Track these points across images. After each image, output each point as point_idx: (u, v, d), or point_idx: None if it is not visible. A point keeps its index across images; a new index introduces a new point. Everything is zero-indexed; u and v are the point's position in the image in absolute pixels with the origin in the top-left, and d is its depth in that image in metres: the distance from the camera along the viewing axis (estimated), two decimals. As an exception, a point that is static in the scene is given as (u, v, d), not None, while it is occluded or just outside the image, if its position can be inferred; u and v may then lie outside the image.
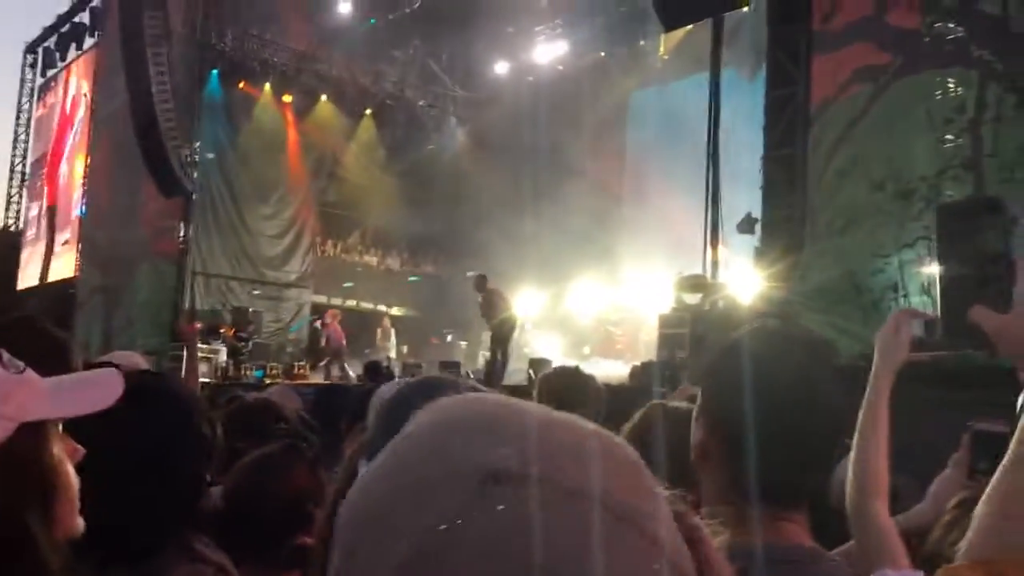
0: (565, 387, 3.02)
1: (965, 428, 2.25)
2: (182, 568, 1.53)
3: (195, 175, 18.76)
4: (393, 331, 18.39)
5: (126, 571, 1.48)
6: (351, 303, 21.31)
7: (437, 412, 0.54)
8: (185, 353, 4.87)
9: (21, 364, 1.12)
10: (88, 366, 2.69)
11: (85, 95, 23.94)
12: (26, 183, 27.95)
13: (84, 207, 23.30)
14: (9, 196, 28.25)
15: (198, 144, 18.99)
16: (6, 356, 1.11)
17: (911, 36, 9.53)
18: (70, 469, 1.15)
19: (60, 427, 1.15)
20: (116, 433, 1.33)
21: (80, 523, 1.15)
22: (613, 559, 0.44)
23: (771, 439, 1.31)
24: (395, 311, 20.03)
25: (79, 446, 1.17)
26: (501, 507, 0.45)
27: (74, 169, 24.31)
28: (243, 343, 16.48)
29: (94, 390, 1.17)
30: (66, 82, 25.78)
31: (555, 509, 0.45)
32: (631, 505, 0.47)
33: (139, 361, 3.24)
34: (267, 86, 20.34)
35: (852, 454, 1.70)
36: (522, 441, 0.48)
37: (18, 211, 28.08)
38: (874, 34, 9.80)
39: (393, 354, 17.44)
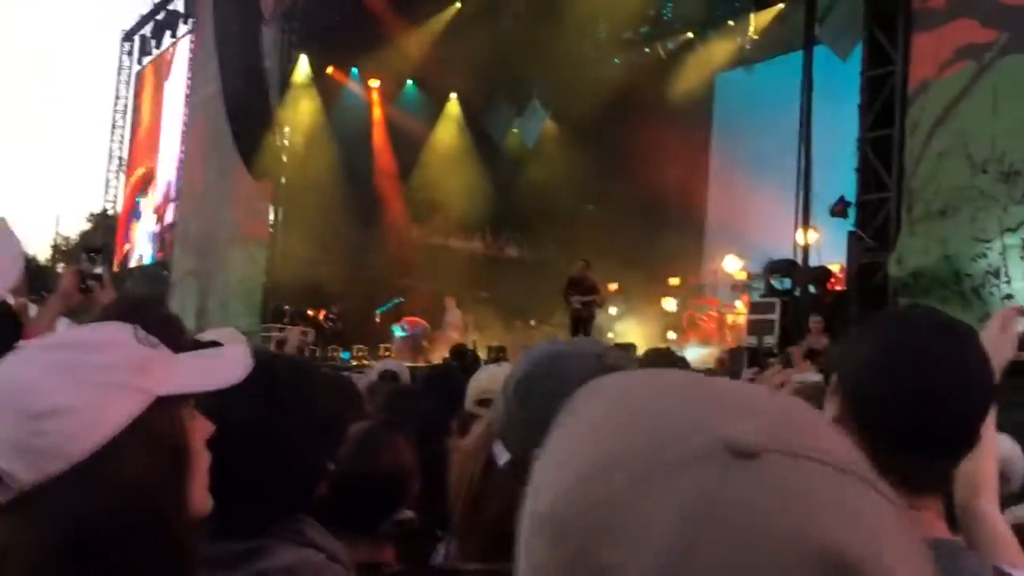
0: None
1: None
2: (291, 553, 1.53)
3: (284, 158, 19.11)
4: (458, 311, 18.33)
5: (234, 546, 1.49)
6: (436, 286, 21.48)
7: (642, 386, 0.51)
8: (285, 335, 4.98)
9: (155, 339, 1.14)
10: (193, 344, 2.76)
11: (181, 81, 24.56)
12: (123, 167, 28.85)
13: (178, 191, 23.96)
14: (108, 181, 29.22)
15: (287, 128, 19.33)
16: (140, 331, 1.13)
17: (1018, 11, 9.12)
18: (202, 445, 1.16)
19: (193, 404, 1.16)
20: (243, 410, 1.35)
21: (210, 500, 1.17)
22: (881, 523, 0.43)
23: (916, 416, 1.27)
24: (480, 294, 20.04)
25: (209, 422, 1.18)
26: (758, 481, 0.43)
27: (169, 154, 25.00)
28: (332, 324, 16.82)
29: (224, 366, 1.18)
30: (162, 68, 26.51)
31: (810, 480, 0.43)
32: (872, 473, 0.46)
33: (237, 337, 3.30)
34: (354, 70, 20.60)
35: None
36: (758, 415, 0.46)
37: (115, 195, 29.02)
38: (978, 9, 9.41)
39: (456, 334, 17.45)
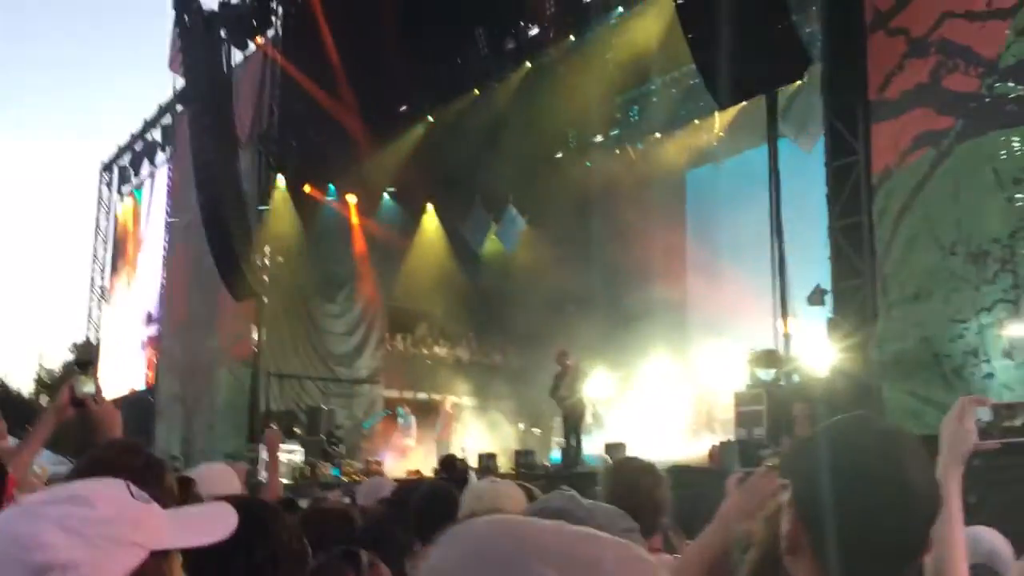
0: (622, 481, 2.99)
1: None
2: None
3: (266, 278, 19.25)
4: (452, 418, 18.34)
5: None
6: (422, 396, 21.40)
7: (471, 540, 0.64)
8: (268, 459, 4.94)
9: (146, 495, 1.18)
10: (180, 481, 2.78)
11: (159, 210, 24.84)
12: (105, 297, 28.88)
13: (160, 319, 23.97)
14: (90, 310, 29.22)
15: (268, 248, 19.52)
16: (134, 488, 1.18)
17: (970, 98, 9.47)
18: None
19: (180, 557, 1.21)
20: (222, 559, 1.38)
21: None
22: None
23: (863, 530, 1.31)
24: (466, 400, 19.98)
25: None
26: None
27: (149, 283, 25.09)
28: (333, 446, 16.83)
29: (212, 523, 1.23)
30: (141, 198, 26.81)
31: None
32: None
33: (231, 476, 3.31)
34: (331, 187, 20.92)
35: (928, 559, 1.66)
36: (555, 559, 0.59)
37: (98, 323, 28.97)
38: (932, 99, 9.76)
39: (452, 439, 17.37)
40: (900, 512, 1.34)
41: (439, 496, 4.02)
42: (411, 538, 3.06)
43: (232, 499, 1.36)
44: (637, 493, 2.68)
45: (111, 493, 1.17)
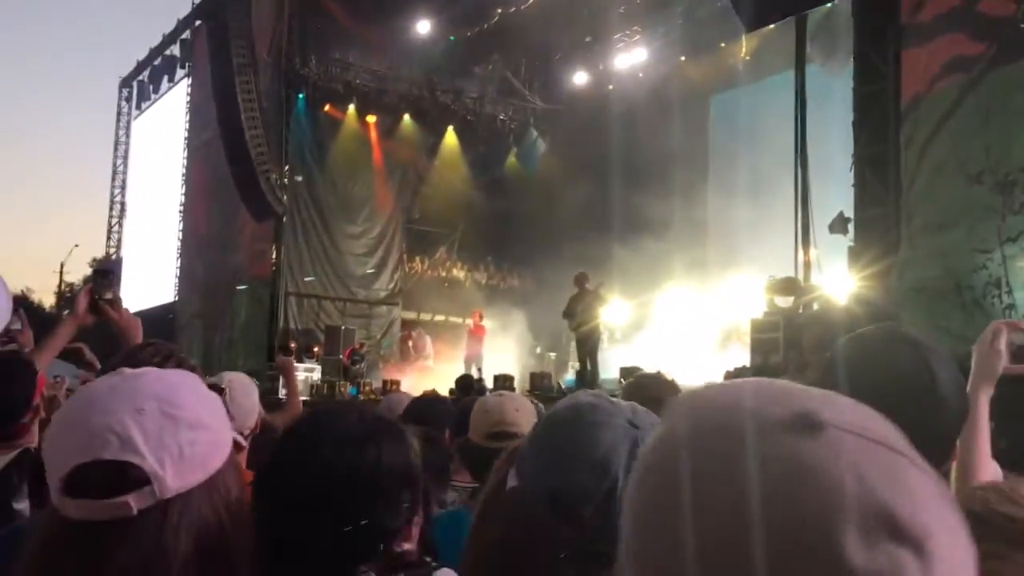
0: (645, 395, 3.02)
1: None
2: None
3: (284, 198, 19.26)
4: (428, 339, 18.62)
5: None
6: (440, 318, 21.55)
7: (716, 397, 0.61)
8: (285, 380, 5.01)
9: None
10: (211, 388, 2.82)
11: (179, 126, 24.74)
12: (125, 213, 29.00)
13: (181, 235, 24.06)
14: (110, 226, 29.36)
15: (287, 168, 19.49)
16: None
17: (1005, 23, 9.22)
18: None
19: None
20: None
21: None
22: (924, 492, 0.54)
23: None
24: (486, 323, 20.12)
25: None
26: (827, 449, 0.53)
27: (170, 199, 25.14)
28: (356, 364, 16.99)
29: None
30: (160, 114, 26.71)
31: (867, 453, 0.54)
32: (913, 452, 0.58)
33: (252, 386, 3.36)
34: (351, 108, 20.77)
35: (955, 467, 1.68)
36: (816, 400, 0.57)
37: (119, 240, 29.16)
38: (966, 24, 9.51)
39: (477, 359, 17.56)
40: (929, 418, 1.35)
41: (432, 404, 4.09)
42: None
43: None
44: (660, 407, 2.69)
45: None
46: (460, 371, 15.94)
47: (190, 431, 1.09)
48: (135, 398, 1.08)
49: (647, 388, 2.98)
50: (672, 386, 3.04)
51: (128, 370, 1.18)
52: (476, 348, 17.62)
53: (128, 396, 1.08)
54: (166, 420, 1.08)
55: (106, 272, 3.26)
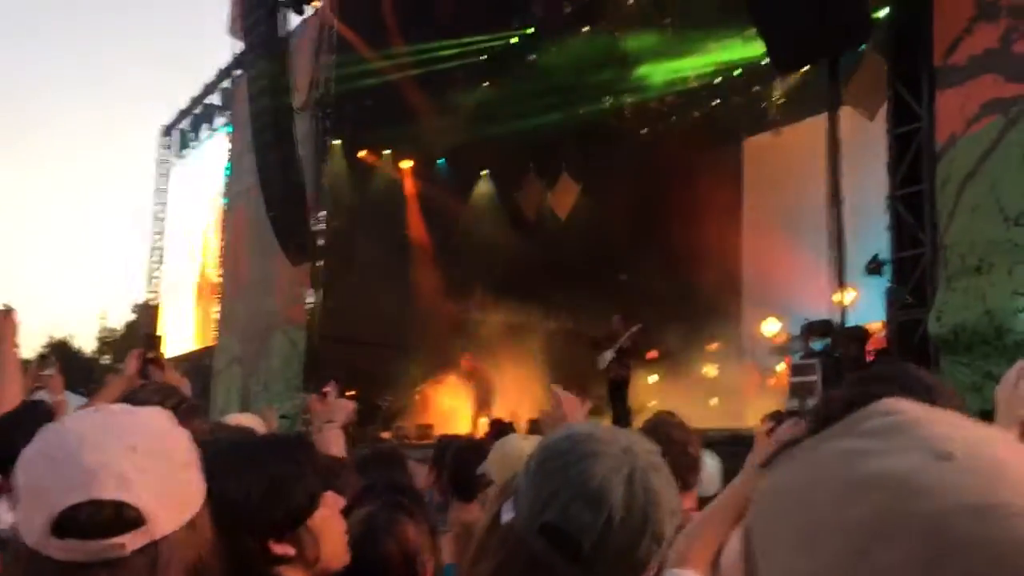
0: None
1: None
2: None
3: (320, 242, 19.44)
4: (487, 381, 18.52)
5: None
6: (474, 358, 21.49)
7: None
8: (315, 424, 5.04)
9: None
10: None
11: (218, 174, 25.15)
12: (164, 260, 29.42)
13: (221, 281, 24.34)
14: (151, 273, 29.78)
15: (323, 213, 19.68)
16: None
17: (1041, 64, 9.16)
18: None
19: None
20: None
21: None
22: None
23: None
24: (513, 366, 20.02)
25: None
26: (960, 469, 0.55)
27: (208, 246, 25.48)
28: (380, 406, 17.06)
29: None
30: (200, 161, 27.18)
31: (999, 470, 0.55)
32: None
33: (255, 422, 3.44)
34: (386, 152, 21.02)
35: None
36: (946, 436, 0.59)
37: (157, 286, 29.54)
38: (1001, 65, 9.45)
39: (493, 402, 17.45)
40: None
41: (471, 450, 4.06)
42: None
43: None
44: (672, 446, 2.67)
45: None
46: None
47: (183, 471, 1.08)
48: (125, 436, 1.05)
49: (658, 428, 2.97)
50: (682, 425, 3.03)
51: (109, 405, 1.17)
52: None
53: (118, 433, 1.06)
54: (159, 459, 1.07)
55: (154, 337, 3.43)
